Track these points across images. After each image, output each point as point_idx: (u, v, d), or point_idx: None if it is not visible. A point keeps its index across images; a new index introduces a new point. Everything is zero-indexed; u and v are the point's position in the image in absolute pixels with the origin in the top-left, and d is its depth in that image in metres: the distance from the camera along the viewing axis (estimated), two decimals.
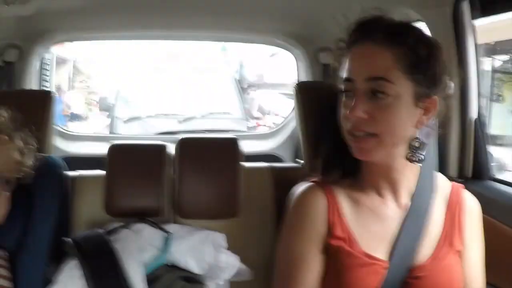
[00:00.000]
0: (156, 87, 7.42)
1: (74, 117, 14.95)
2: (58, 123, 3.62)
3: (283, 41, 3.26)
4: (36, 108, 1.93)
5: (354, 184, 1.49)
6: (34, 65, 2.99)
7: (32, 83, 2.99)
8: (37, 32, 2.85)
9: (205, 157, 1.96)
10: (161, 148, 1.97)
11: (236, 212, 1.92)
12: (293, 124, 3.43)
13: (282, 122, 3.86)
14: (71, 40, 3.75)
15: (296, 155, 3.38)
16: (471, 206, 1.52)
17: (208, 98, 7.23)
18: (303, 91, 1.90)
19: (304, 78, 3.30)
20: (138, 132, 6.37)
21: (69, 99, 15.19)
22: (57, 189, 1.84)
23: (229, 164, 1.94)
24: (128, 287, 1.65)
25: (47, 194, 1.80)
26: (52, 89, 3.76)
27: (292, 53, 3.39)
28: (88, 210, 1.97)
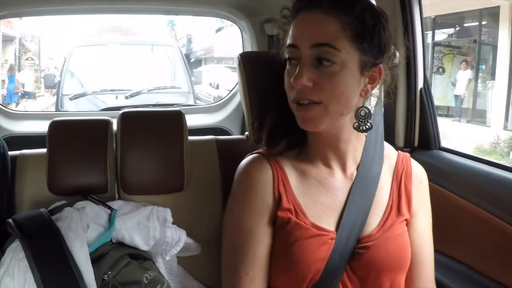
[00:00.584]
0: (102, 63, 7.36)
1: (25, 95, 14.74)
2: (11, 101, 3.54)
3: (228, 12, 3.22)
4: None
5: (301, 155, 1.48)
6: None
7: None
8: None
9: (148, 131, 1.90)
10: (105, 124, 1.90)
11: (182, 186, 1.89)
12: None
13: (228, 94, 3.84)
14: (10, 16, 3.62)
15: (244, 127, 3.37)
16: (418, 175, 1.53)
17: (155, 72, 7.21)
18: (246, 61, 1.86)
19: (249, 49, 3.27)
20: (86, 108, 6.28)
21: (21, 77, 14.99)
22: None
23: (173, 137, 1.90)
24: (72, 266, 1.60)
25: None
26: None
27: (238, 25, 3.36)
28: (32, 190, 1.89)
